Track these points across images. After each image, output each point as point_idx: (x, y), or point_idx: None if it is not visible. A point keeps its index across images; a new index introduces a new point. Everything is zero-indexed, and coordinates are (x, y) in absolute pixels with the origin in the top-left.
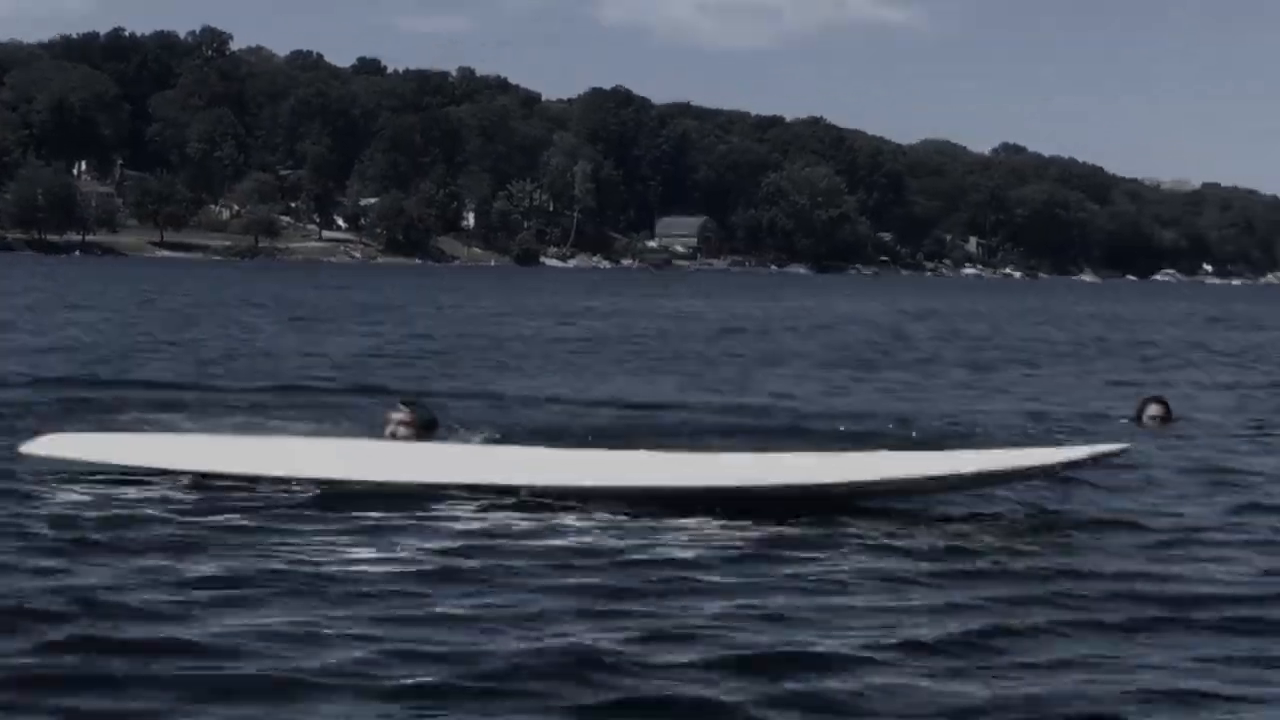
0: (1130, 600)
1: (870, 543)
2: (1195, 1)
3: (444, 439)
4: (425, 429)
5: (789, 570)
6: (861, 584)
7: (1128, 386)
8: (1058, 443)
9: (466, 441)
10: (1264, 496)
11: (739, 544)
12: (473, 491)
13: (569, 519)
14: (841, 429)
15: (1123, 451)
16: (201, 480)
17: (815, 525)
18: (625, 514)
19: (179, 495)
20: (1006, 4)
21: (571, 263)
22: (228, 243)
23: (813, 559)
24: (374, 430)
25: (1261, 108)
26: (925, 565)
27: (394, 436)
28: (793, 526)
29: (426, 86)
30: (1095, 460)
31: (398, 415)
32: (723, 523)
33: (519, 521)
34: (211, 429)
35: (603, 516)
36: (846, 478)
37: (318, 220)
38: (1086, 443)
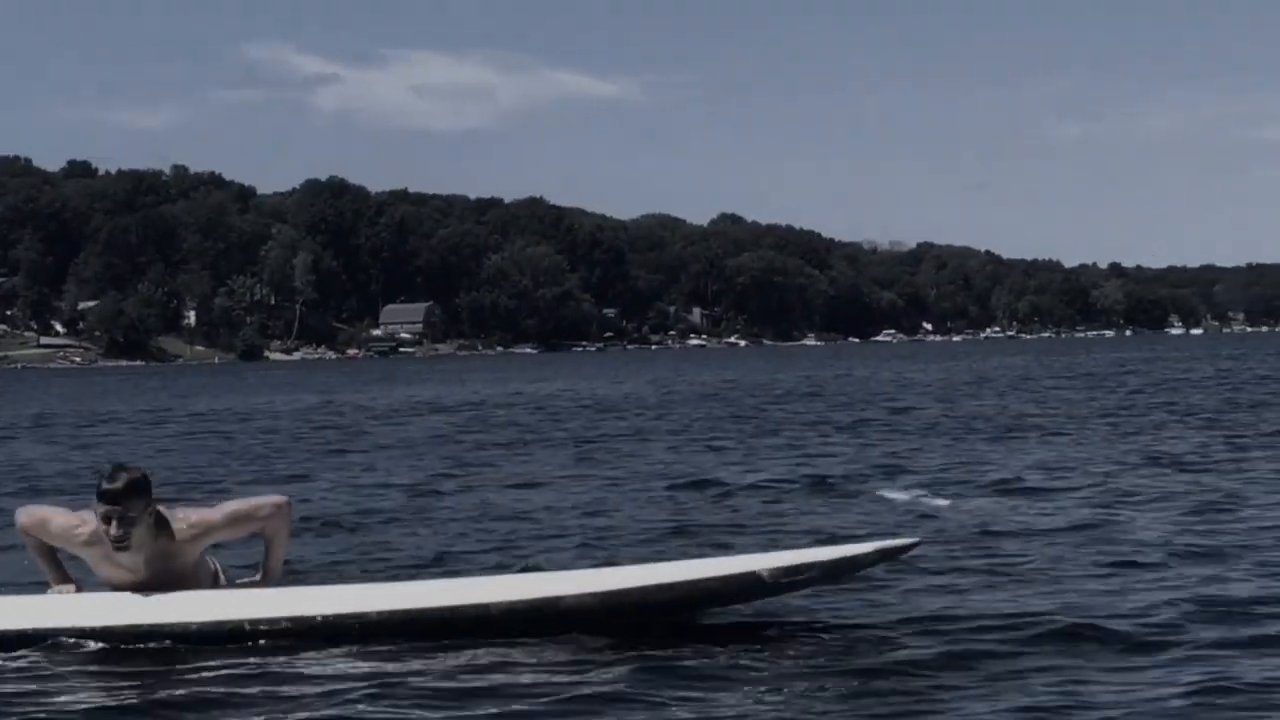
0: None
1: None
2: (898, 62)
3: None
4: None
5: None
6: None
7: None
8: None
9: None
10: None
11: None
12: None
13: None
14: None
15: (913, 546)
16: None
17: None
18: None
19: None
20: (718, 74)
21: (296, 355)
22: None
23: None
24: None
25: (970, 165)
26: None
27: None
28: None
29: (140, 186)
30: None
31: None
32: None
33: None
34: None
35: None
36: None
37: (35, 327)
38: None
